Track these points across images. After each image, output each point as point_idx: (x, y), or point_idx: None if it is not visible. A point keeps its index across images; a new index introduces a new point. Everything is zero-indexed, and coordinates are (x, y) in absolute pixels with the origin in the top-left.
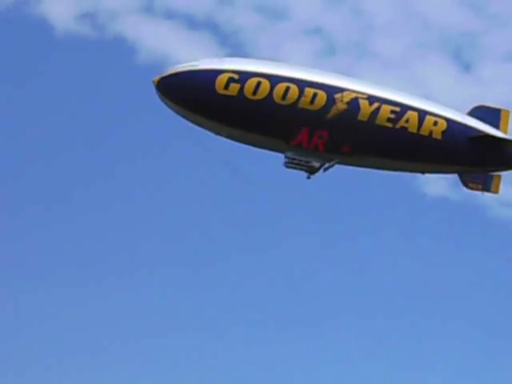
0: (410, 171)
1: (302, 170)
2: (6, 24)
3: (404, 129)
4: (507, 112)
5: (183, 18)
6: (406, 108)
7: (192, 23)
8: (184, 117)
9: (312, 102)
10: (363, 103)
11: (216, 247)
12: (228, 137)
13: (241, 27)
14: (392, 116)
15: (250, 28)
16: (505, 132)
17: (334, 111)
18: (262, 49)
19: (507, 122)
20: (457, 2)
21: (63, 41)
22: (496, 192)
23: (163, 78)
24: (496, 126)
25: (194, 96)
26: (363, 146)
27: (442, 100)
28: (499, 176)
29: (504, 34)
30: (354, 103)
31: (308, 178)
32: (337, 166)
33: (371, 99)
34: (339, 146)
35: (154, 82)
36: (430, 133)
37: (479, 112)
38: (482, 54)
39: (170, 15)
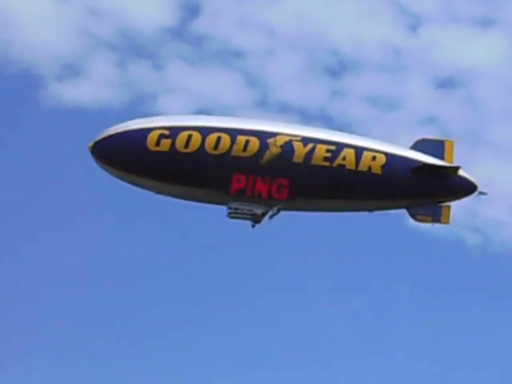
0: (357, 210)
1: (246, 219)
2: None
3: (342, 166)
4: (451, 143)
5: (297, 112)
6: (342, 146)
7: (306, 116)
8: (122, 179)
9: (245, 149)
10: (297, 145)
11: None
12: (170, 195)
13: (354, 119)
14: (328, 155)
15: (363, 119)
16: (451, 163)
17: (267, 156)
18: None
19: (452, 153)
20: None
21: None
22: (446, 223)
23: (96, 143)
24: (441, 157)
25: (127, 156)
26: (303, 188)
27: None
28: (448, 206)
29: None
30: (287, 146)
31: (253, 226)
32: (283, 212)
33: (305, 141)
34: (278, 190)
35: (88, 147)
36: (369, 168)
37: (422, 145)
38: None
39: (283, 109)
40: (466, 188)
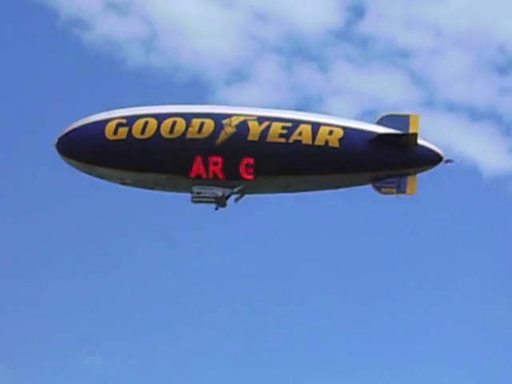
0: (322, 188)
1: (209, 202)
2: None
3: (298, 142)
4: (416, 117)
5: (464, 110)
6: (298, 122)
7: (474, 115)
8: (85, 171)
9: (200, 131)
10: (252, 124)
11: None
12: (134, 184)
13: None
14: (284, 131)
15: None
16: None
17: (222, 136)
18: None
19: (418, 127)
20: None
21: None
22: (412, 193)
23: (60, 139)
24: (406, 131)
25: (86, 148)
26: (261, 166)
27: None
28: (415, 177)
29: None
30: (242, 125)
31: (216, 209)
32: (250, 195)
33: (260, 119)
34: (236, 170)
35: (54, 144)
36: (326, 142)
37: (387, 120)
38: None
39: (451, 108)
40: (430, 157)
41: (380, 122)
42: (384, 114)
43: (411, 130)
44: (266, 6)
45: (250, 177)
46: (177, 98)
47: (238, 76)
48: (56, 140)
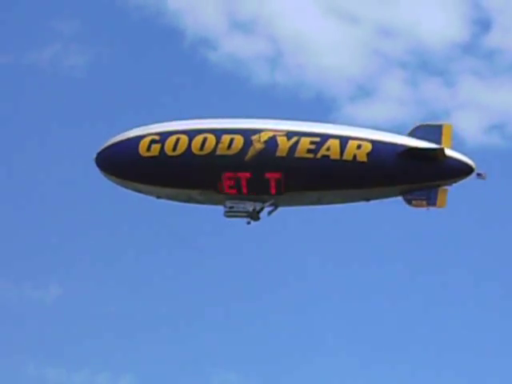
0: (352, 201)
1: (242, 217)
2: None
3: (326, 157)
4: (449, 126)
5: None
6: (326, 137)
7: None
8: (123, 186)
9: (229, 147)
10: (281, 139)
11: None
12: (168, 198)
13: None
14: (312, 147)
15: None
16: (448, 147)
17: (251, 152)
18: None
19: (450, 137)
20: None
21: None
22: (442, 206)
23: (99, 154)
24: (438, 142)
25: (122, 164)
26: (290, 181)
27: None
28: (445, 189)
29: None
30: (271, 141)
31: (248, 223)
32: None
33: (289, 134)
34: (265, 185)
35: (93, 159)
36: (354, 156)
37: (420, 132)
38: None
39: None
40: (460, 169)
41: (412, 133)
42: (417, 123)
43: (443, 141)
44: (390, 20)
45: (279, 191)
46: (301, 114)
47: (363, 92)
48: (95, 155)
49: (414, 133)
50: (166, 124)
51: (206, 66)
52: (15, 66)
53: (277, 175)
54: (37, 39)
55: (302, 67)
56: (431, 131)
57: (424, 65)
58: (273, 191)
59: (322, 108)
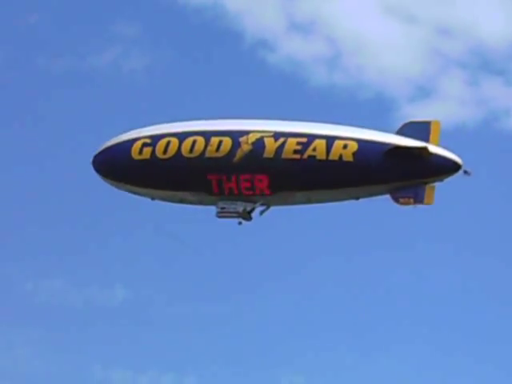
0: (341, 199)
1: (234, 217)
2: None
3: (312, 157)
4: (437, 123)
5: None
6: (313, 137)
7: None
8: (118, 188)
9: (218, 149)
10: (268, 141)
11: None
12: (162, 200)
13: None
14: (298, 147)
15: None
16: (436, 144)
17: (239, 154)
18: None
19: (438, 134)
20: None
21: None
22: (430, 203)
23: (95, 157)
24: (425, 139)
25: (116, 166)
26: (278, 182)
27: None
28: (432, 186)
29: None
30: (259, 143)
31: (239, 223)
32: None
33: (276, 135)
34: (254, 187)
35: (90, 163)
36: (340, 156)
37: (408, 129)
38: None
39: None
40: (446, 166)
41: (400, 131)
42: (405, 121)
43: (431, 137)
44: (450, 20)
45: (268, 192)
46: (360, 115)
47: (422, 92)
48: (92, 158)
49: (402, 130)
50: (158, 126)
51: (264, 67)
52: (76, 69)
53: (265, 177)
54: (97, 43)
55: (360, 68)
56: (419, 128)
57: (484, 64)
58: (262, 192)
59: (381, 109)
